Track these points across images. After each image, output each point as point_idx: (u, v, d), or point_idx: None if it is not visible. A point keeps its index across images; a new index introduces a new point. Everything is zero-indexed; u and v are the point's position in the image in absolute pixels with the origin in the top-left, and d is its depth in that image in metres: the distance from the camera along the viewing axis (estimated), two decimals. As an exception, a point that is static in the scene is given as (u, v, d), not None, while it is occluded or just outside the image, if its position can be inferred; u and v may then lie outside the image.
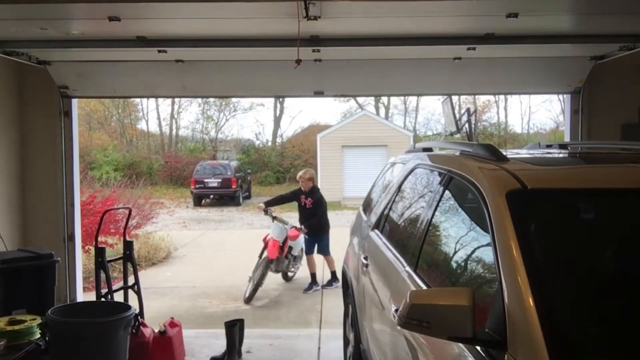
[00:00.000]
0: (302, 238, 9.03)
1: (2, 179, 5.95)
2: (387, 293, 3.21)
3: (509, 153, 2.93)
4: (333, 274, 8.99)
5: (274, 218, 8.70)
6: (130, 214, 6.14)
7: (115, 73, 6.13)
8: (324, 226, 8.89)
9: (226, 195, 23.86)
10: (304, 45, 4.92)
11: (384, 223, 4.03)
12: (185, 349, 5.39)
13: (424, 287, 2.62)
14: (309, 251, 8.94)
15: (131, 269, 5.53)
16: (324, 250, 8.97)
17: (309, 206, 8.71)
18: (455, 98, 9.83)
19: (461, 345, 2.02)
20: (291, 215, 9.26)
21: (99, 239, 6.06)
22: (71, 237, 6.35)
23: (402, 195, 3.93)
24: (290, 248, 9.03)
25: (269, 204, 8.90)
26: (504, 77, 6.28)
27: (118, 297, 5.28)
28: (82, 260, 7.21)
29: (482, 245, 2.31)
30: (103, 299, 5.05)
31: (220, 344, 5.47)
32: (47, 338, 4.21)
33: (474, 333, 1.85)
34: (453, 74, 6.16)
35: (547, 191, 2.29)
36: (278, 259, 8.74)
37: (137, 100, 33.97)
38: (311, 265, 8.97)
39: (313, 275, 8.96)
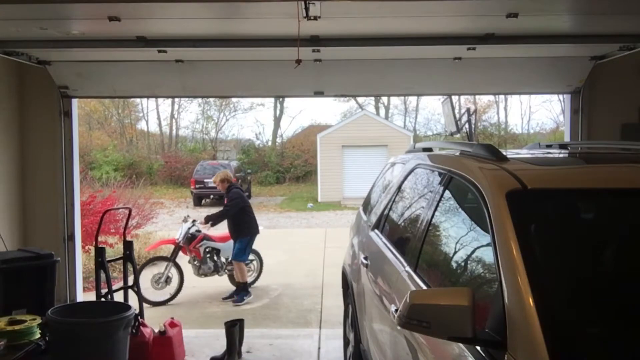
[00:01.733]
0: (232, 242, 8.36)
1: (2, 179, 5.95)
2: (387, 293, 3.21)
3: (509, 153, 2.93)
4: (241, 286, 8.09)
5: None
6: (130, 214, 6.15)
7: (115, 73, 6.14)
8: (237, 228, 8.12)
9: (226, 195, 23.81)
10: (304, 45, 4.92)
11: (384, 223, 4.03)
12: (185, 349, 5.39)
13: (424, 287, 2.62)
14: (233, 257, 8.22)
15: (131, 269, 5.53)
16: (235, 255, 8.12)
17: None
18: (455, 98, 9.80)
19: (461, 345, 2.02)
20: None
21: (99, 238, 6.06)
22: (71, 237, 6.35)
23: (402, 195, 3.92)
24: (217, 251, 8.50)
25: (210, 219, 8.25)
26: (504, 77, 6.28)
27: (118, 297, 5.29)
28: (82, 260, 7.21)
29: (482, 245, 2.31)
30: (103, 299, 5.05)
31: (220, 344, 5.47)
32: (47, 338, 4.21)
33: (474, 333, 1.85)
34: (453, 74, 6.16)
35: (547, 191, 2.29)
36: (199, 260, 8.33)
37: (137, 100, 34.01)
38: (237, 273, 8.17)
39: (238, 285, 8.14)
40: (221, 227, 8.59)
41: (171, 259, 8.19)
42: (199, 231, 8.47)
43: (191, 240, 8.32)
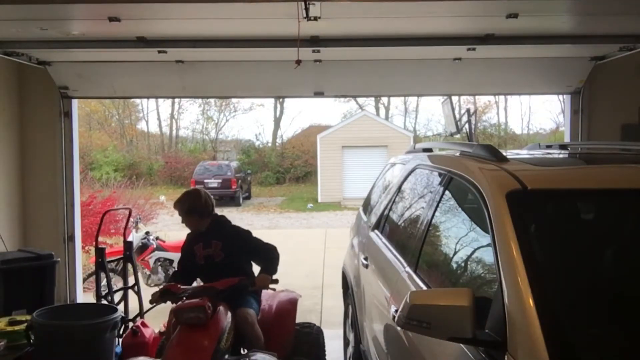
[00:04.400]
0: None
1: (2, 179, 5.95)
2: (387, 293, 3.21)
3: (509, 153, 2.93)
4: None
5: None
6: (130, 214, 6.14)
7: (116, 73, 6.14)
8: None
9: (226, 196, 23.87)
10: (304, 45, 4.92)
11: (384, 223, 4.03)
12: (185, 350, 5.37)
13: (424, 288, 2.62)
14: None
15: (131, 270, 5.53)
16: None
17: None
18: (455, 98, 9.79)
19: (461, 345, 2.02)
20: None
21: (99, 239, 6.05)
22: (71, 238, 6.35)
23: (402, 196, 3.93)
24: (170, 261, 8.12)
25: None
26: (504, 77, 6.28)
27: (118, 297, 5.29)
28: (82, 261, 7.20)
29: (482, 246, 2.31)
30: (104, 300, 5.05)
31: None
32: (31, 340, 4.14)
33: (474, 333, 1.85)
34: (453, 75, 6.17)
35: (547, 192, 2.29)
36: (149, 270, 8.02)
37: (137, 100, 34.00)
38: None
39: None
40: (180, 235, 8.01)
41: (117, 272, 6.94)
42: (151, 242, 8.09)
43: (141, 251, 7.93)
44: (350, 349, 4.61)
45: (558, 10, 4.51)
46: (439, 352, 2.24)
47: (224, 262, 3.87)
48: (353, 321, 4.38)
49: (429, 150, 3.99)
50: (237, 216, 20.52)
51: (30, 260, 4.98)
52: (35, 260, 4.99)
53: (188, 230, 4.21)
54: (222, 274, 3.71)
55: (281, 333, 3.97)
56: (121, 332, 4.85)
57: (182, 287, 3.68)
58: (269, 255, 3.87)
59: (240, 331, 3.68)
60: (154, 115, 39.88)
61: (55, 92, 6.20)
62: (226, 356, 3.38)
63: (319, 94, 6.30)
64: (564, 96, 6.74)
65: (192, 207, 3.96)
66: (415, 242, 3.03)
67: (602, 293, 2.01)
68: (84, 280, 7.15)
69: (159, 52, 5.35)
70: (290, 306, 4.19)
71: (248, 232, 4.00)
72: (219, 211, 4.25)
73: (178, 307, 3.39)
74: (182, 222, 4.06)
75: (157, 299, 3.65)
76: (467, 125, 7.22)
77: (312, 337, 4.16)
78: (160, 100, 34.24)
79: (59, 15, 4.45)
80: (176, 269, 4.15)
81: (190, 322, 3.30)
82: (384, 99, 35.76)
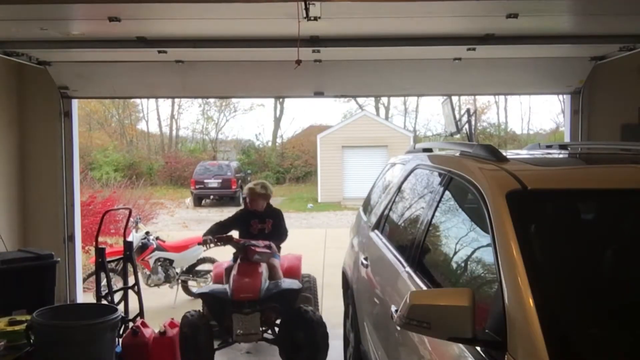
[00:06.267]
0: (190, 251, 8.06)
1: (2, 179, 5.95)
2: (387, 293, 3.21)
3: (509, 153, 2.93)
4: None
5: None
6: (130, 214, 6.15)
7: (116, 73, 6.14)
8: None
9: (226, 196, 23.86)
10: (304, 45, 4.93)
11: (384, 223, 4.03)
12: (185, 350, 5.37)
13: (424, 288, 2.62)
14: None
15: (131, 270, 5.53)
16: None
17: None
18: (455, 98, 9.80)
19: (461, 345, 2.02)
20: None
21: (99, 239, 6.05)
22: (71, 238, 6.36)
23: (402, 196, 3.93)
24: (170, 261, 8.07)
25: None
26: (504, 77, 6.28)
27: (118, 297, 5.28)
28: (82, 261, 7.20)
29: (482, 246, 2.31)
30: (104, 300, 5.05)
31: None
32: (31, 340, 4.12)
33: (474, 334, 1.85)
34: (453, 75, 6.17)
35: (547, 191, 2.30)
36: (149, 270, 7.96)
37: (137, 100, 33.97)
38: None
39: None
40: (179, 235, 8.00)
41: (116, 272, 6.76)
42: (151, 242, 8.02)
43: (141, 251, 7.86)
44: (350, 349, 4.61)
45: (558, 10, 4.51)
46: (438, 352, 2.24)
47: (269, 233, 5.51)
48: (353, 321, 4.38)
49: (429, 150, 3.99)
50: (237, 216, 20.48)
51: (30, 260, 4.98)
52: (35, 260, 4.99)
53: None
54: (264, 239, 5.35)
55: (293, 279, 5.42)
56: (121, 332, 4.86)
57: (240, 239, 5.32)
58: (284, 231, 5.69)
59: (270, 273, 5.11)
60: (154, 115, 39.87)
61: (55, 92, 6.20)
62: (267, 282, 4.90)
63: (319, 94, 6.30)
64: (564, 96, 6.74)
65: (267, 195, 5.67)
66: (415, 242, 3.03)
67: (602, 293, 2.01)
68: (84, 280, 7.15)
69: (159, 52, 5.35)
70: (297, 261, 5.95)
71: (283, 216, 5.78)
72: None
73: (253, 251, 4.94)
74: (250, 201, 5.57)
75: (219, 239, 5.11)
76: (467, 125, 7.21)
77: (310, 283, 6.09)
78: (160, 100, 34.23)
79: (59, 15, 4.45)
80: (218, 223, 5.56)
81: (260, 260, 4.96)
82: (384, 99, 35.75)
